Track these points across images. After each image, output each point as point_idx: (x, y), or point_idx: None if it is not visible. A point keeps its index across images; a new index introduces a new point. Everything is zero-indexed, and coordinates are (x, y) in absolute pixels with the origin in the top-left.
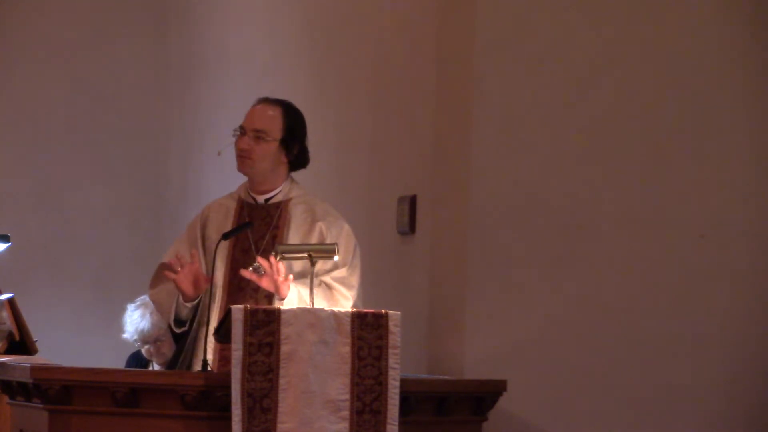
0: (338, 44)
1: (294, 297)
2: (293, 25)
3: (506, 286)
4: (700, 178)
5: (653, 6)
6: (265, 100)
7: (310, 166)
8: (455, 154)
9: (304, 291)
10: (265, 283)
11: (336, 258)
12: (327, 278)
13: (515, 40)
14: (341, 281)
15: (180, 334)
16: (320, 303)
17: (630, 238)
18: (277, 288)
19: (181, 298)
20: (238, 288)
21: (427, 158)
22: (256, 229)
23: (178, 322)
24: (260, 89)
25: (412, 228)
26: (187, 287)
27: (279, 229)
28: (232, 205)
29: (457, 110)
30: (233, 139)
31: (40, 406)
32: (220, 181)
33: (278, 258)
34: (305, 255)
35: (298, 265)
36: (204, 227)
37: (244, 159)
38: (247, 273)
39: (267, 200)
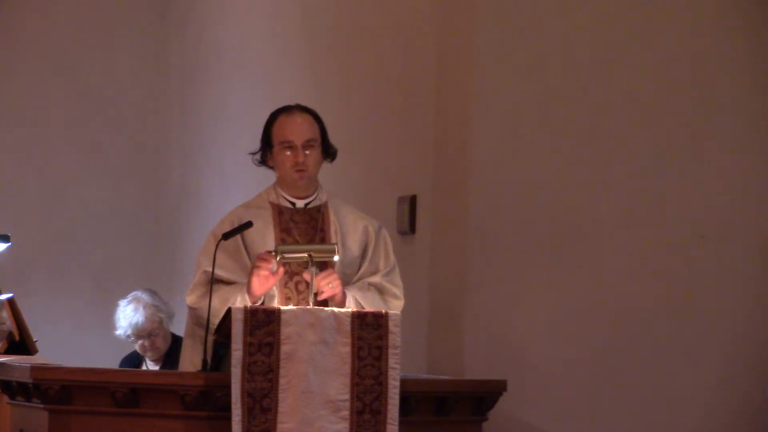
0: (338, 44)
1: (351, 304)
2: (293, 26)
3: (506, 286)
4: (700, 178)
5: (653, 6)
6: (293, 110)
7: None
8: (455, 154)
9: (359, 295)
10: (325, 294)
11: (336, 258)
12: (375, 279)
13: (515, 40)
14: (390, 281)
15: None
16: (374, 305)
17: (630, 238)
18: (334, 296)
19: (248, 299)
20: (296, 291)
21: (427, 158)
22: (303, 232)
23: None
24: (260, 89)
25: (412, 228)
26: (263, 289)
27: (325, 232)
28: (266, 212)
29: (457, 110)
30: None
31: (40, 406)
32: (220, 182)
33: (278, 258)
34: (305, 255)
35: (347, 270)
36: (242, 235)
37: (302, 173)
38: (308, 276)
39: (306, 204)
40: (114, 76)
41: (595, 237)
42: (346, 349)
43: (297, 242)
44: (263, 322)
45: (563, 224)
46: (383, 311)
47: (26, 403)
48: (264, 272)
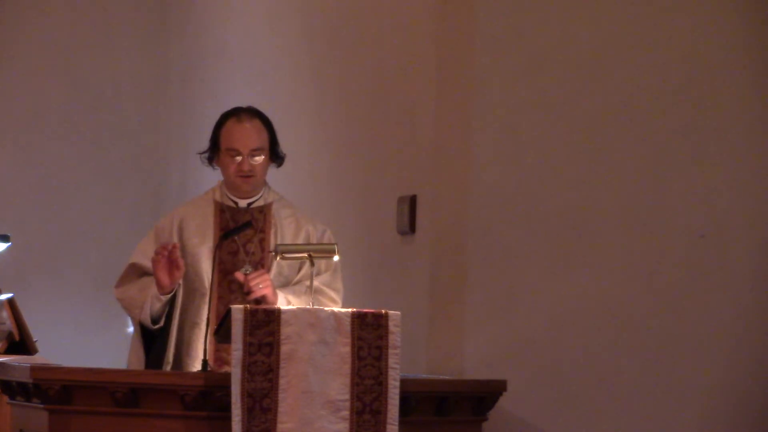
0: (338, 44)
1: (283, 305)
2: (293, 25)
3: (506, 286)
4: (700, 178)
5: (653, 6)
6: (242, 114)
7: (309, 167)
8: (455, 154)
9: (293, 298)
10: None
11: (336, 258)
12: (314, 282)
13: (515, 40)
14: (329, 285)
15: (151, 333)
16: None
17: (630, 238)
18: (265, 296)
19: (155, 291)
20: (228, 290)
21: (427, 158)
22: (242, 232)
23: (152, 320)
24: (260, 89)
25: (412, 228)
26: (164, 276)
27: (265, 232)
28: (209, 209)
29: (457, 110)
30: (202, 157)
31: (40, 406)
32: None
33: (278, 258)
34: (305, 255)
35: (285, 270)
36: (180, 231)
37: (247, 179)
38: (241, 276)
39: (249, 204)
40: (114, 76)
41: (595, 237)
42: (346, 349)
43: (234, 242)
44: (263, 322)
45: (563, 224)
46: (383, 311)
47: (26, 403)
48: (160, 266)
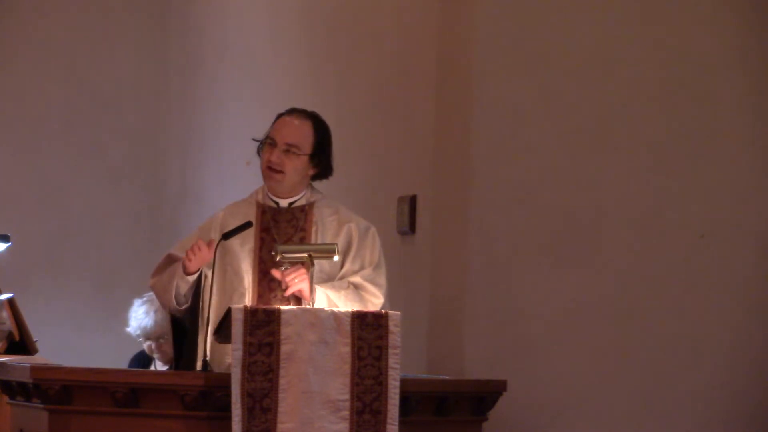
0: (338, 44)
1: (323, 301)
2: (293, 25)
3: (506, 287)
4: (700, 178)
5: (654, 6)
6: (295, 112)
7: None
8: (455, 154)
9: (332, 292)
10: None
11: (336, 258)
12: (356, 278)
13: (515, 40)
14: (371, 280)
15: (183, 328)
16: (350, 303)
17: (630, 238)
18: (301, 289)
19: (181, 271)
20: (268, 289)
21: (427, 158)
22: (282, 231)
23: (177, 300)
24: (260, 89)
25: (412, 228)
26: (188, 261)
27: (306, 231)
28: (251, 210)
29: (457, 110)
30: (254, 146)
31: (40, 406)
32: (220, 181)
33: (278, 258)
34: (305, 255)
35: (327, 267)
36: (222, 230)
37: (273, 173)
38: (278, 273)
39: (291, 204)
40: (114, 76)
41: (596, 237)
42: (346, 349)
43: (275, 241)
44: (263, 322)
45: (563, 224)
46: (383, 311)
47: (26, 403)
48: (187, 261)
